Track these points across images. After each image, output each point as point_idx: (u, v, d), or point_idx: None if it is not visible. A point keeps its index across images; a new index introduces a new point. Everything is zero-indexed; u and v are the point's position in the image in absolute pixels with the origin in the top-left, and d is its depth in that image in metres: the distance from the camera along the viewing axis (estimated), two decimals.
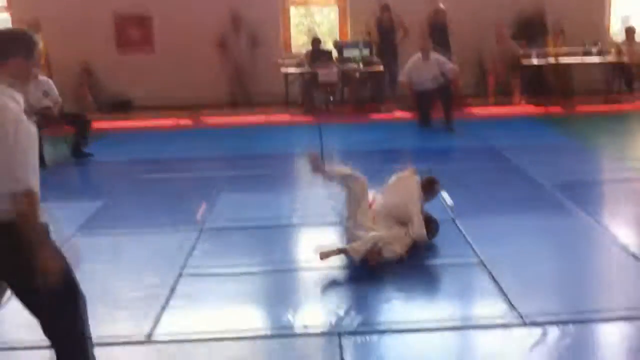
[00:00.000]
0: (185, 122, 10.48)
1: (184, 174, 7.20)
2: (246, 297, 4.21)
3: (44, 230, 2.73)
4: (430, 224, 4.82)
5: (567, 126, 9.38)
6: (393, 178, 5.16)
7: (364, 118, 10.73)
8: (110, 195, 6.32)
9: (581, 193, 6.09)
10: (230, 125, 10.15)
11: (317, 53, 11.37)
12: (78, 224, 5.62)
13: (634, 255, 4.59)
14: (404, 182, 5.00)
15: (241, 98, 11.62)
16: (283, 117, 10.94)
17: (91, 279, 4.46)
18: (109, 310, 4.03)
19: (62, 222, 5.66)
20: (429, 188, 5.02)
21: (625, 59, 11.36)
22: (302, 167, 7.70)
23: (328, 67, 11.05)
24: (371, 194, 4.96)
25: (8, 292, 2.89)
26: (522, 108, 11.10)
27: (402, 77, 10.08)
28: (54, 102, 8.01)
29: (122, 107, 11.45)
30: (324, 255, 4.45)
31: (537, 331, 3.60)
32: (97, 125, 8.59)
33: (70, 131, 8.27)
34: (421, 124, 9.72)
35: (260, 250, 5.00)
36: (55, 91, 8.09)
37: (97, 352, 3.48)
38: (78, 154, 8.17)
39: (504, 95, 11.43)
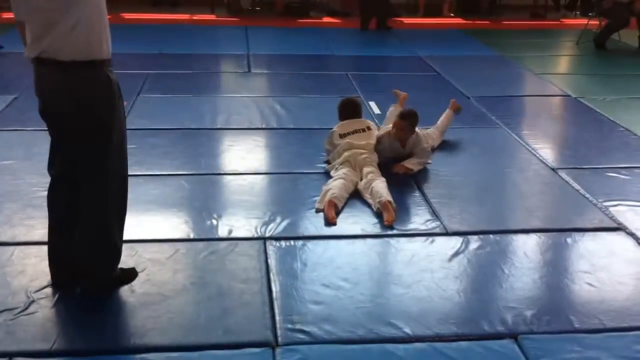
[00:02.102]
0: None
1: None
2: (168, 200, 4.09)
3: None
4: None
5: (493, 40, 9.42)
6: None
7: (292, 22, 10.45)
8: (22, 89, 5.95)
9: (503, 107, 6.18)
10: (152, 23, 9.69)
11: None
12: None
13: (553, 169, 4.71)
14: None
15: None
16: (208, 17, 10.53)
17: (1, 176, 4.27)
18: (20, 208, 3.85)
19: None
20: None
21: None
22: (226, 69, 7.53)
23: None
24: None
25: None
26: (451, 21, 11.07)
27: None
28: None
29: None
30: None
31: (458, 240, 3.66)
32: (7, 16, 8.00)
33: None
34: (362, 28, 9.75)
35: (182, 153, 4.85)
36: None
37: (9, 251, 3.39)
38: None
39: (433, 8, 11.37)
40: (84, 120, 2.82)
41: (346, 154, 4.41)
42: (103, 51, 2.78)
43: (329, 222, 3.83)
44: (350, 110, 4.82)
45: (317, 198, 4.07)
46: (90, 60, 2.76)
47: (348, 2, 11.40)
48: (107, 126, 2.87)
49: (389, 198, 3.95)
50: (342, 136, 4.57)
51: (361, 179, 4.27)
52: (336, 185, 4.10)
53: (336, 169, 4.35)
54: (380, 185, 4.10)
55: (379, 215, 3.91)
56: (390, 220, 3.83)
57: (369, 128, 4.66)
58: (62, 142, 2.93)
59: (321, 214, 3.92)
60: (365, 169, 4.30)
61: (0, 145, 4.81)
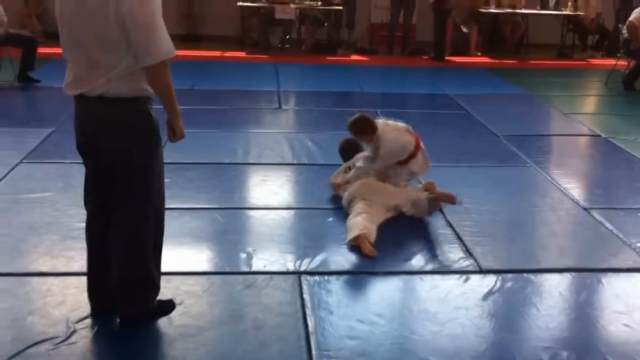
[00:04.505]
0: None
1: None
2: (203, 233, 4.15)
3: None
4: None
5: (520, 79, 9.48)
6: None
7: (321, 60, 10.60)
8: (59, 123, 6.09)
9: (533, 145, 6.19)
10: (183, 60, 9.88)
11: None
12: (26, 151, 5.44)
13: (585, 209, 4.71)
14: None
15: (193, 32, 11.36)
16: (238, 54, 10.72)
17: (40, 208, 4.36)
18: (60, 239, 3.93)
19: (9, 148, 5.50)
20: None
21: (581, 12, 11.47)
22: (256, 104, 7.65)
23: (285, 3, 10.81)
24: None
25: None
26: (478, 60, 11.16)
27: None
28: None
29: None
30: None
31: (492, 279, 3.67)
32: (44, 50, 8.23)
33: (15, 54, 7.93)
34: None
35: (216, 187, 4.92)
36: (0, 8, 7.68)
37: (50, 281, 3.45)
38: (24, 78, 7.84)
39: (461, 47, 11.48)
40: (125, 154, 2.89)
41: (351, 189, 4.42)
42: (146, 88, 2.86)
43: (369, 256, 3.84)
44: (351, 151, 4.84)
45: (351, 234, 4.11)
46: (133, 97, 2.84)
47: (376, 40, 11.56)
48: (147, 161, 2.94)
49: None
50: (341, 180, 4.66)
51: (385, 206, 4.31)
52: (359, 220, 4.10)
53: (349, 206, 4.35)
54: (417, 197, 4.27)
55: (415, 249, 3.96)
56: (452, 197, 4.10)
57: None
58: (100, 176, 2.99)
59: (355, 249, 3.95)
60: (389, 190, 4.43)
61: (39, 177, 4.92)
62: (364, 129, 4.52)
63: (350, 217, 4.21)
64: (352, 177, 4.56)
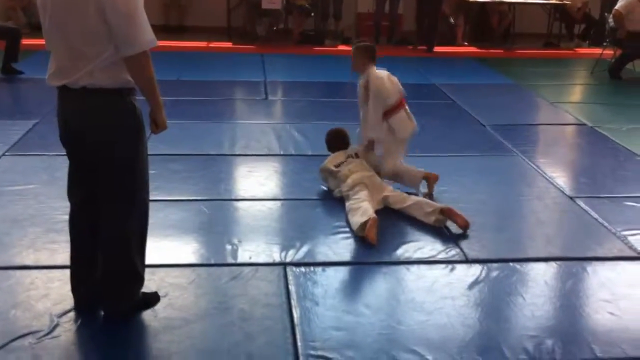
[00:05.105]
0: None
1: None
2: (188, 225, 4.12)
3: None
4: None
5: (507, 68, 9.48)
6: None
7: (308, 50, 10.56)
8: (44, 115, 6.04)
9: (519, 135, 6.20)
10: (169, 50, 9.82)
11: None
12: (9, 143, 5.39)
13: (570, 197, 4.72)
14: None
15: (176, 22, 11.29)
16: (224, 44, 10.65)
17: (24, 200, 4.32)
18: (43, 232, 3.89)
19: None
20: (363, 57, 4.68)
21: (567, 1, 11.47)
22: (243, 95, 7.61)
23: None
24: None
25: None
26: (465, 50, 11.15)
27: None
28: None
29: None
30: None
31: (478, 268, 3.67)
32: (28, 42, 8.14)
33: None
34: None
35: (202, 178, 4.90)
36: None
37: (33, 274, 3.42)
38: (8, 70, 7.76)
39: (447, 37, 11.46)
40: (109, 147, 2.86)
41: (355, 176, 4.41)
42: (129, 79, 2.83)
43: (372, 244, 3.85)
44: (338, 140, 4.85)
45: (339, 224, 4.10)
46: (116, 88, 2.81)
47: (363, 30, 11.52)
48: (132, 153, 2.92)
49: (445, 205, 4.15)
50: (337, 166, 4.58)
51: (377, 202, 4.30)
52: (368, 206, 4.10)
53: (353, 191, 4.33)
54: (425, 200, 4.28)
55: (401, 240, 3.94)
56: (466, 222, 4.04)
57: (356, 155, 4.65)
58: (85, 169, 2.96)
59: (341, 240, 3.95)
60: (386, 192, 4.37)
61: (22, 170, 4.87)
62: (366, 51, 4.67)
63: (353, 202, 4.20)
64: (370, 121, 4.57)
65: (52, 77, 2.85)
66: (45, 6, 2.78)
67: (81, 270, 3.11)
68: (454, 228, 4.13)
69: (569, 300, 3.43)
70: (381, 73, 4.66)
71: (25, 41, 7.94)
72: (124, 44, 2.70)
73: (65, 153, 3.03)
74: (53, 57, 2.85)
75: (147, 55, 2.77)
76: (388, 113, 4.59)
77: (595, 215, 4.40)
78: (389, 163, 4.64)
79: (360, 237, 3.94)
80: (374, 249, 3.85)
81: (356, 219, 4.01)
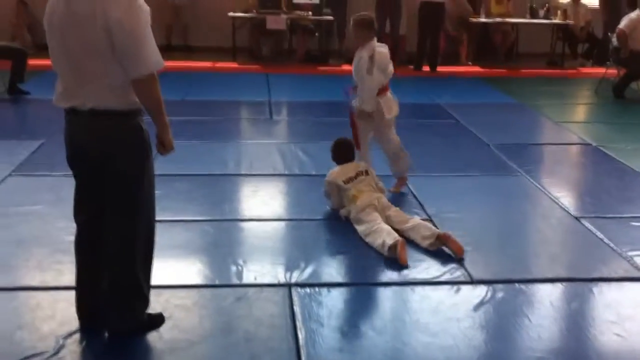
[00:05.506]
0: None
1: None
2: (193, 245, 4.13)
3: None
4: None
5: (511, 88, 9.51)
6: None
7: (312, 70, 10.61)
8: (49, 135, 6.07)
9: (523, 154, 6.21)
10: (174, 70, 9.88)
11: None
12: (15, 163, 5.42)
13: (576, 218, 4.71)
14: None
15: (179, 42, 11.37)
16: (229, 64, 10.71)
17: (30, 221, 4.33)
18: (49, 253, 3.90)
19: None
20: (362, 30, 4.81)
21: (570, 21, 11.53)
22: (247, 115, 7.64)
23: (277, 14, 10.82)
24: None
25: None
26: (469, 69, 11.19)
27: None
28: None
29: None
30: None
31: (483, 289, 3.66)
32: (34, 62, 8.20)
33: (5, 66, 7.90)
34: (416, 68, 10.85)
35: (206, 198, 4.91)
36: None
37: (39, 296, 3.43)
38: (14, 90, 7.81)
39: (451, 56, 11.51)
40: (116, 169, 2.88)
41: (365, 198, 4.39)
42: (136, 101, 2.85)
43: (403, 264, 3.87)
44: (346, 151, 4.79)
45: (343, 244, 4.10)
46: (124, 110, 2.83)
47: None
48: (139, 174, 2.93)
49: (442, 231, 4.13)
50: (346, 182, 4.52)
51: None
52: (389, 228, 4.12)
53: (364, 212, 4.32)
54: (424, 223, 4.26)
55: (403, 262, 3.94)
56: (461, 249, 3.99)
57: (366, 172, 4.63)
58: (91, 189, 2.98)
59: (346, 260, 3.95)
60: (390, 211, 4.36)
61: (28, 190, 4.90)
62: (369, 24, 4.81)
63: (370, 225, 4.18)
64: (366, 91, 4.75)
65: (60, 98, 2.88)
66: (52, 28, 2.81)
67: (86, 290, 3.12)
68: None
69: (575, 322, 3.42)
70: (383, 46, 4.87)
71: (31, 61, 8.01)
72: (131, 66, 2.73)
73: (71, 174, 3.04)
74: (60, 78, 2.88)
75: (154, 77, 2.80)
76: (380, 92, 4.78)
77: (601, 236, 4.39)
78: (395, 137, 4.96)
79: (388, 258, 3.93)
80: (379, 270, 3.85)
81: (381, 241, 4.01)
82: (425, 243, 4.09)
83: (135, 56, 2.72)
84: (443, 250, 4.10)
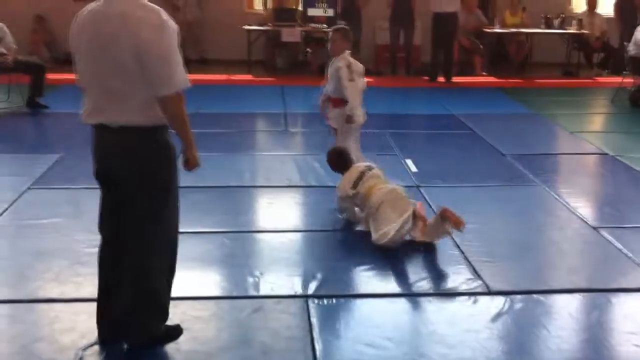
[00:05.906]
0: None
1: None
2: (210, 257, 4.15)
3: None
4: None
5: (526, 98, 9.48)
6: None
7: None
8: (68, 148, 6.13)
9: (540, 164, 6.18)
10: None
11: (280, 11, 11.18)
12: (35, 177, 5.47)
13: (594, 228, 4.68)
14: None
15: (194, 56, 11.47)
16: (244, 77, 10.78)
17: (49, 234, 4.37)
18: (68, 265, 3.93)
19: (17, 174, 5.53)
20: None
21: (586, 31, 11.49)
22: (263, 127, 7.68)
23: (291, 26, 10.88)
24: None
25: None
26: (483, 79, 11.18)
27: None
28: (8, 48, 7.70)
29: None
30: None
31: (501, 300, 3.64)
32: (52, 77, 8.30)
33: (24, 80, 8.00)
34: (431, 79, 10.89)
35: (223, 210, 4.93)
36: (10, 37, 7.78)
37: (58, 307, 3.45)
38: (33, 104, 7.90)
39: (466, 67, 11.51)
40: (145, 183, 2.91)
41: (377, 193, 4.36)
42: (163, 117, 2.88)
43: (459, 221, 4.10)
44: (339, 159, 4.85)
45: (360, 255, 4.10)
46: (152, 126, 2.86)
47: (381, 61, 11.61)
48: (166, 189, 2.96)
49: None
50: (353, 187, 4.50)
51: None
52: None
53: (379, 211, 4.31)
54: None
55: (423, 271, 3.94)
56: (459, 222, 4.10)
57: (369, 168, 4.65)
58: (117, 204, 2.99)
59: (362, 271, 3.95)
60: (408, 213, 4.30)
61: (47, 203, 4.94)
62: (348, 35, 5.30)
63: (384, 220, 4.23)
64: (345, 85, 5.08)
65: (89, 115, 2.91)
66: (79, 48, 2.85)
67: (107, 303, 3.14)
68: (475, 259, 4.10)
69: (594, 333, 3.39)
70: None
71: (50, 75, 8.11)
72: (158, 85, 2.76)
73: (90, 187, 3.07)
74: (88, 96, 2.91)
75: (180, 95, 2.82)
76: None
77: (620, 246, 4.36)
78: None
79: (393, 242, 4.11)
80: (395, 281, 3.85)
81: (390, 229, 4.14)
82: (439, 232, 4.20)
83: (162, 76, 2.75)
84: (460, 261, 4.09)
